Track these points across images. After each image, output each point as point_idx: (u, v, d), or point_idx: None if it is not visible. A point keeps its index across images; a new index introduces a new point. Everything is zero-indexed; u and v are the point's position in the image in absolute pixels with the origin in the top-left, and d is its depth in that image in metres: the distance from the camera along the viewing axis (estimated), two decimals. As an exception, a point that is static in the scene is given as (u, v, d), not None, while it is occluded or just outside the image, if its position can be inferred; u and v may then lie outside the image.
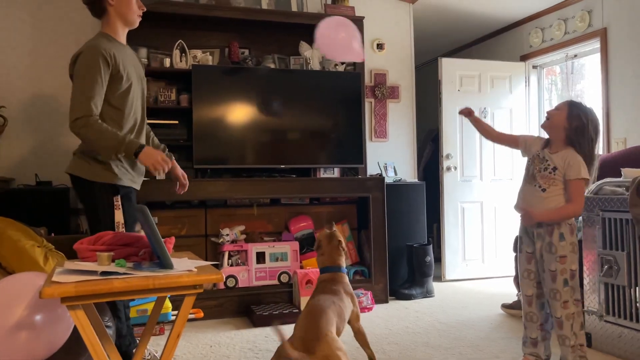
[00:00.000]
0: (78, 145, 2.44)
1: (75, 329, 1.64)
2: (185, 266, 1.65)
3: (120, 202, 2.37)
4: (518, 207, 2.62)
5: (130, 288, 1.46)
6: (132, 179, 2.50)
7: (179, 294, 1.54)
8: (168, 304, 3.39)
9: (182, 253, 2.07)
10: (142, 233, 1.95)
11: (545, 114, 2.59)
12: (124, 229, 2.34)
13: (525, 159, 2.68)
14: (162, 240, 1.62)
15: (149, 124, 2.76)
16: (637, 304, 2.73)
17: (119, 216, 2.35)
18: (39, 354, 1.70)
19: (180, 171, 2.72)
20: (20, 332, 1.65)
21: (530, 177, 2.57)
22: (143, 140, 2.58)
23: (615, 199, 2.80)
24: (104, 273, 1.53)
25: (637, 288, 2.74)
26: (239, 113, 4.08)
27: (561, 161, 2.48)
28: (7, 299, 1.69)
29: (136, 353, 2.13)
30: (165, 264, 1.60)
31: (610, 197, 2.84)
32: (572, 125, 2.47)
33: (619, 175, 3.05)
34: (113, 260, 1.66)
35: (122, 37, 2.49)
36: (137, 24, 2.52)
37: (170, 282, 1.51)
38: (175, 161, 2.69)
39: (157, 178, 3.25)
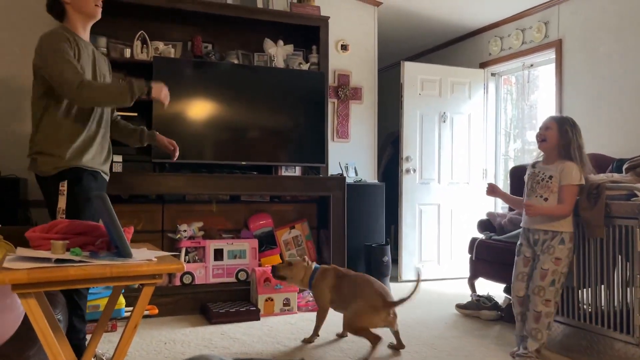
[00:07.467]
0: (29, 148, 2.38)
1: (25, 320, 1.57)
2: (145, 256, 1.61)
3: (65, 187, 2.27)
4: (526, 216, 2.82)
5: (87, 276, 1.41)
6: (79, 160, 2.37)
7: (138, 283, 1.50)
8: (122, 299, 3.30)
9: (140, 244, 2.02)
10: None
11: (538, 137, 2.77)
12: (63, 216, 2.25)
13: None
14: (121, 228, 1.57)
15: None
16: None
17: (61, 202, 2.26)
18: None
19: (164, 140, 2.87)
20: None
21: (529, 190, 2.80)
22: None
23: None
24: (58, 261, 1.47)
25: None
26: (200, 107, 4.01)
27: (556, 170, 2.69)
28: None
29: (87, 350, 2.06)
30: (123, 253, 1.55)
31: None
32: (562, 142, 2.70)
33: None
34: (68, 249, 1.60)
35: (83, 32, 2.48)
36: (98, 15, 2.50)
37: (129, 270, 1.47)
38: (157, 133, 2.89)
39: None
